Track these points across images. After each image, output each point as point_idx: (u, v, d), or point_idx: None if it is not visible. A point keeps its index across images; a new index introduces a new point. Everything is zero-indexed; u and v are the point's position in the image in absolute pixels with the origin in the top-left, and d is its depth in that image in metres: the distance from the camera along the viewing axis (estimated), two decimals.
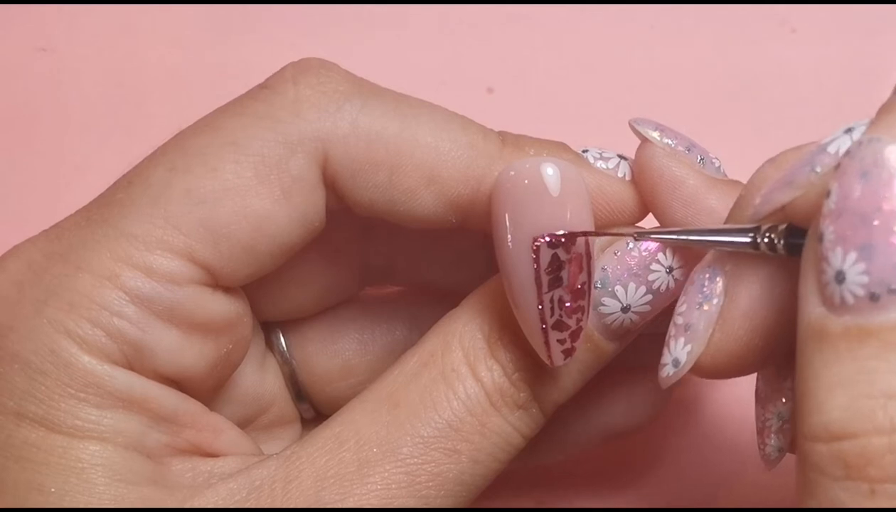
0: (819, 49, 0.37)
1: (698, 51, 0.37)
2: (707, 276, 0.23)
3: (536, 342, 0.23)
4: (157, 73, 0.37)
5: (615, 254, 0.24)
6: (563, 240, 0.22)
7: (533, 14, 0.37)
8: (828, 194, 0.18)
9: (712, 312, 0.22)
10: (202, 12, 0.37)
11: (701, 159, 0.25)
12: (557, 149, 0.25)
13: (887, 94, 0.36)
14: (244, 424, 0.29)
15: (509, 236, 0.23)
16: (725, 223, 0.23)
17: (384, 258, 0.30)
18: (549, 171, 0.22)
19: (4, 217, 0.32)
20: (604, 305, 0.24)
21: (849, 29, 0.37)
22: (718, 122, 0.37)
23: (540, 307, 0.23)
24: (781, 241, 0.21)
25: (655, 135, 0.25)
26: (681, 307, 0.23)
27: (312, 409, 0.30)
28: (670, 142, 0.25)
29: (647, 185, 0.25)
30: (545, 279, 0.22)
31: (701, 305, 0.22)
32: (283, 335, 0.30)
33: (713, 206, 0.24)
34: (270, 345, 0.29)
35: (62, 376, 0.22)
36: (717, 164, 0.26)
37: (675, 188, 0.24)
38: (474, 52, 0.37)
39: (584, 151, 0.25)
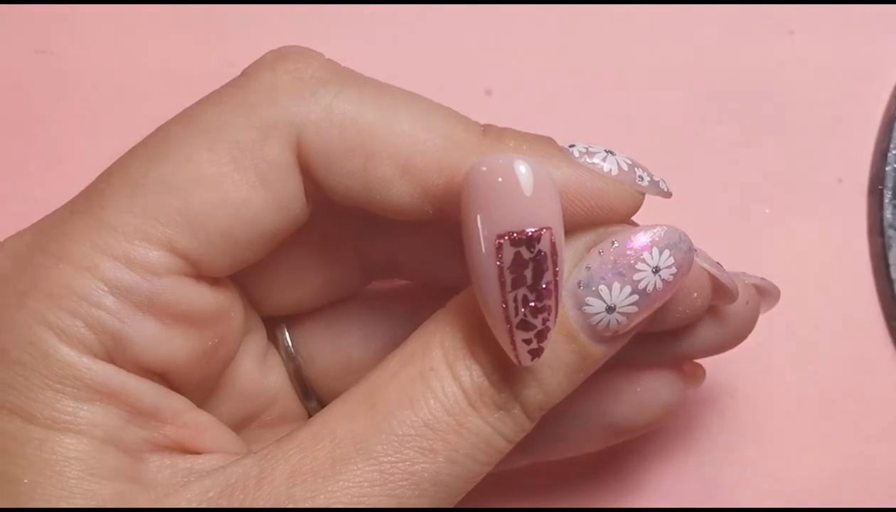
0: (817, 50, 0.36)
1: (697, 51, 0.36)
2: None
3: (503, 341, 0.23)
4: (157, 74, 0.37)
5: (599, 252, 0.24)
6: (525, 237, 0.22)
7: (532, 14, 0.37)
8: None
9: None
10: (202, 12, 0.37)
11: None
12: (542, 143, 0.25)
13: (886, 94, 0.36)
14: (246, 421, 0.28)
15: (474, 232, 0.22)
16: None
17: (386, 252, 0.29)
18: (519, 169, 0.22)
19: (4, 218, 0.32)
20: (588, 304, 0.24)
21: (848, 30, 0.36)
22: (717, 123, 0.36)
23: (504, 306, 0.22)
24: None
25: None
26: None
27: (320, 406, 0.29)
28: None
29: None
30: (508, 277, 0.22)
31: None
32: (288, 331, 0.29)
33: None
34: (275, 341, 0.29)
35: (40, 367, 0.23)
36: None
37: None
38: (472, 53, 0.37)
39: (570, 146, 0.25)
